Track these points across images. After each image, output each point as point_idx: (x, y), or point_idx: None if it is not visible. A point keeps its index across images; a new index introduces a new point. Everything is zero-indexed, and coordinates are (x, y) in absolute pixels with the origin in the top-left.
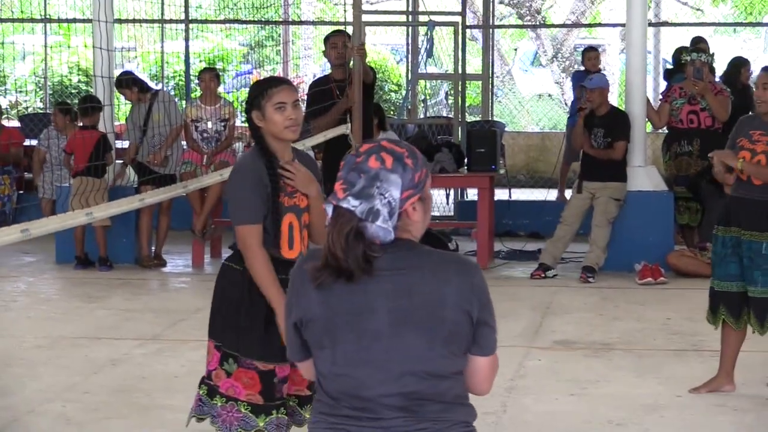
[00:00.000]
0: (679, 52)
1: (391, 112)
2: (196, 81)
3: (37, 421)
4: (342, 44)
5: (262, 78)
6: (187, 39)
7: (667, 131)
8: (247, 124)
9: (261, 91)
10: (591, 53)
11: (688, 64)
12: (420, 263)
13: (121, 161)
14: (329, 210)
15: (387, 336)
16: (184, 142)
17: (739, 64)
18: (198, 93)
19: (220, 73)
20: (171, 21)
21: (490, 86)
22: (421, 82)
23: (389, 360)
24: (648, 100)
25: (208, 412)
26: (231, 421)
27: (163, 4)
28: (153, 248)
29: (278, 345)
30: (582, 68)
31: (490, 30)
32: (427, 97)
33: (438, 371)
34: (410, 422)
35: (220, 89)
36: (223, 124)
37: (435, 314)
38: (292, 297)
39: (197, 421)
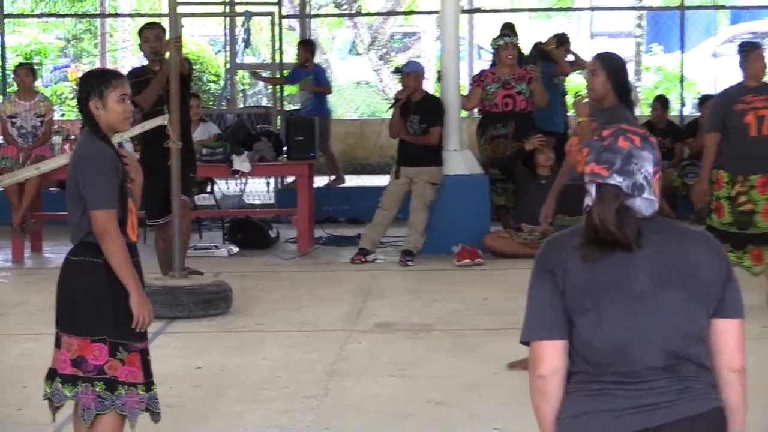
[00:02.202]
0: (535, 47)
1: (210, 103)
2: (13, 76)
3: None
4: (154, 37)
5: (97, 68)
6: (2, 34)
7: (481, 115)
8: (69, 117)
9: (105, 81)
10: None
11: (500, 49)
12: (670, 229)
13: None
14: (593, 189)
15: (650, 296)
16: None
17: (538, 47)
18: (15, 88)
19: (37, 68)
20: None
21: None
22: (240, 72)
23: (653, 318)
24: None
25: (110, 406)
26: (133, 405)
27: None
28: None
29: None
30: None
31: (307, 19)
32: (246, 87)
33: (694, 332)
34: (674, 382)
35: (37, 84)
36: (39, 119)
37: (691, 273)
38: (548, 273)
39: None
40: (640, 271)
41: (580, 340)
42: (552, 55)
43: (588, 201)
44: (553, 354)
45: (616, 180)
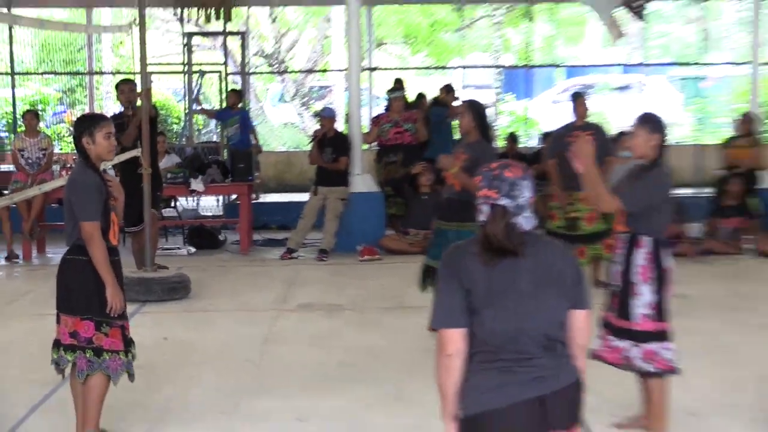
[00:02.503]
0: (420, 97)
1: (173, 139)
2: (22, 119)
3: None
4: (128, 90)
5: (88, 113)
6: (13, 87)
7: (378, 147)
8: (65, 150)
9: (94, 122)
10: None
11: (392, 98)
12: (542, 244)
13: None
14: (486, 209)
15: (532, 295)
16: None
17: (420, 96)
18: (23, 129)
19: (40, 113)
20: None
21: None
22: (196, 116)
23: (536, 311)
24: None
25: (98, 368)
26: (116, 367)
27: None
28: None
29: (123, 307)
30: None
31: (247, 75)
32: (200, 127)
33: (562, 319)
34: (553, 359)
35: (41, 125)
36: (42, 152)
37: (558, 277)
38: (453, 274)
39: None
40: (523, 278)
41: (484, 328)
42: (444, 101)
43: (482, 218)
44: (457, 338)
45: (504, 201)
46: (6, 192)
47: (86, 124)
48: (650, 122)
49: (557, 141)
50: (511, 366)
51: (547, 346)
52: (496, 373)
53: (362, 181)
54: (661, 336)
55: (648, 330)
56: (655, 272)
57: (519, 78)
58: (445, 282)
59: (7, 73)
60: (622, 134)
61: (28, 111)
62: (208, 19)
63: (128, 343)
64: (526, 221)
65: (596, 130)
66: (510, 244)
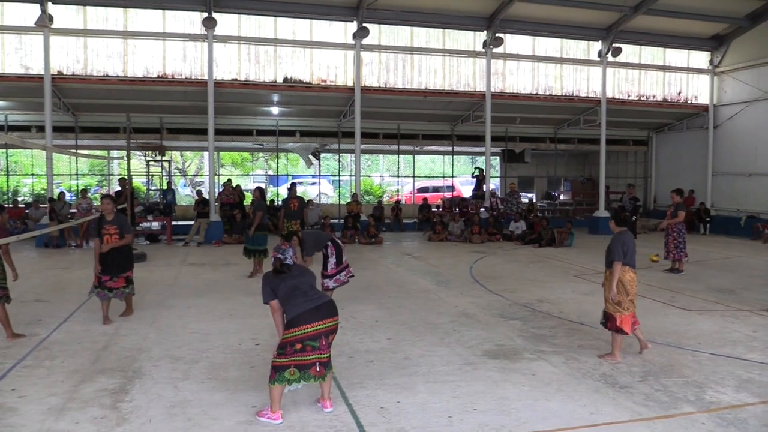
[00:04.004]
0: (237, 185)
1: (141, 200)
2: (80, 192)
3: None
4: (123, 182)
5: (106, 192)
6: (77, 180)
7: (220, 204)
8: (97, 204)
9: (106, 197)
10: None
11: (225, 185)
12: (297, 265)
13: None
14: (277, 261)
15: (300, 277)
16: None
17: (237, 185)
18: (80, 196)
19: (88, 188)
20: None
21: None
22: (151, 192)
23: (305, 280)
24: None
25: (97, 295)
26: (103, 294)
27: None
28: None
29: (107, 271)
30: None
31: (171, 177)
32: (152, 196)
33: (315, 283)
34: (316, 293)
35: (88, 194)
36: (88, 204)
37: (310, 274)
38: (269, 281)
39: (96, 296)
40: (295, 276)
41: (291, 288)
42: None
43: (274, 262)
44: (276, 303)
45: (284, 257)
46: (71, 219)
47: (102, 197)
48: (303, 199)
49: (285, 202)
50: (305, 295)
51: (314, 288)
52: (300, 300)
53: (215, 216)
54: (340, 272)
55: (332, 274)
56: (335, 251)
57: (274, 179)
58: (266, 285)
59: (74, 174)
60: (310, 201)
61: (82, 189)
62: (155, 155)
63: (102, 285)
64: (290, 261)
65: (300, 198)
66: (286, 270)
